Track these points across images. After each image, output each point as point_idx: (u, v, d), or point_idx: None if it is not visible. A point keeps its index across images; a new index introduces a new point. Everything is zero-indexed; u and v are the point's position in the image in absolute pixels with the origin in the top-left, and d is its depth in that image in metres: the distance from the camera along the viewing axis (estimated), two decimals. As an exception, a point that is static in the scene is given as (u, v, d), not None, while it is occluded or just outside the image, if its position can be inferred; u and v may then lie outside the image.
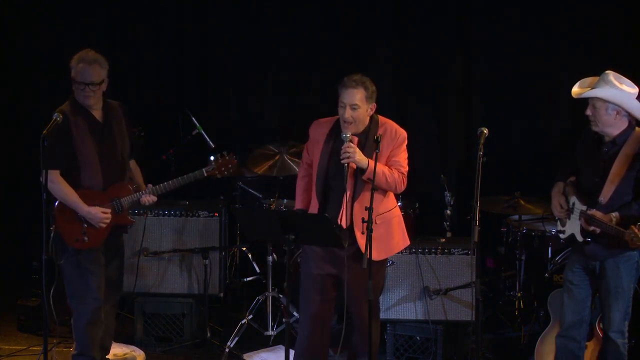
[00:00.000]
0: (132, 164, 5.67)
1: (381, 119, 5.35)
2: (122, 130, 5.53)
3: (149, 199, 5.50)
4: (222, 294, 6.71)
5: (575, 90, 5.27)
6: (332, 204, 5.29)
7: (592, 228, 5.09)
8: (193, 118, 7.14)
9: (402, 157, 5.32)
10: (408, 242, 5.52)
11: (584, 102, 5.22)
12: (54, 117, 5.22)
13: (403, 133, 5.33)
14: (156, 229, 6.59)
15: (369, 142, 5.25)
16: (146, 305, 6.59)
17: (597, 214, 5.07)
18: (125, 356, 6.21)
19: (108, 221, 5.39)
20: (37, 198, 5.23)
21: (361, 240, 5.20)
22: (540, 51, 7.54)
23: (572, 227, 5.28)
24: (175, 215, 6.61)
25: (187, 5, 8.07)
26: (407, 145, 5.37)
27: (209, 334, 6.52)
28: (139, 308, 6.59)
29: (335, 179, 5.26)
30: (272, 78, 8.01)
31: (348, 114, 5.20)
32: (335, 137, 5.31)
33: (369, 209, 4.90)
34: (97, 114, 5.47)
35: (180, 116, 7.35)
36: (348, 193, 5.22)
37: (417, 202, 6.95)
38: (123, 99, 7.97)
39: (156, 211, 6.58)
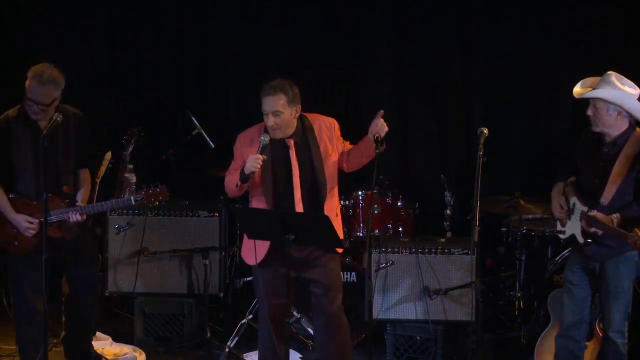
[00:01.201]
0: (83, 174, 5.56)
1: (310, 116, 5.31)
2: (68, 141, 5.43)
3: (74, 216, 5.35)
4: (222, 294, 6.69)
5: (577, 90, 5.26)
6: (285, 208, 5.24)
7: (593, 229, 5.08)
8: (193, 118, 7.13)
9: (342, 139, 5.34)
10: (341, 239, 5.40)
11: (584, 102, 5.21)
12: (54, 117, 5.21)
13: (334, 121, 5.34)
14: (156, 229, 6.58)
15: (304, 143, 5.22)
16: (146, 305, 6.58)
17: (599, 215, 5.05)
18: (125, 356, 6.22)
19: (33, 231, 5.34)
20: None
21: None
22: (540, 51, 7.53)
23: (573, 228, 5.27)
24: (175, 215, 6.60)
25: (187, 5, 8.05)
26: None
27: (209, 334, 6.51)
28: (139, 308, 6.58)
29: (281, 184, 5.22)
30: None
31: (271, 121, 5.14)
32: (270, 144, 5.19)
33: (370, 208, 4.90)
34: (43, 123, 5.34)
35: (180, 116, 7.34)
36: (297, 195, 5.19)
37: (417, 202, 6.95)
38: (123, 99, 8.04)
39: (156, 211, 6.56)
